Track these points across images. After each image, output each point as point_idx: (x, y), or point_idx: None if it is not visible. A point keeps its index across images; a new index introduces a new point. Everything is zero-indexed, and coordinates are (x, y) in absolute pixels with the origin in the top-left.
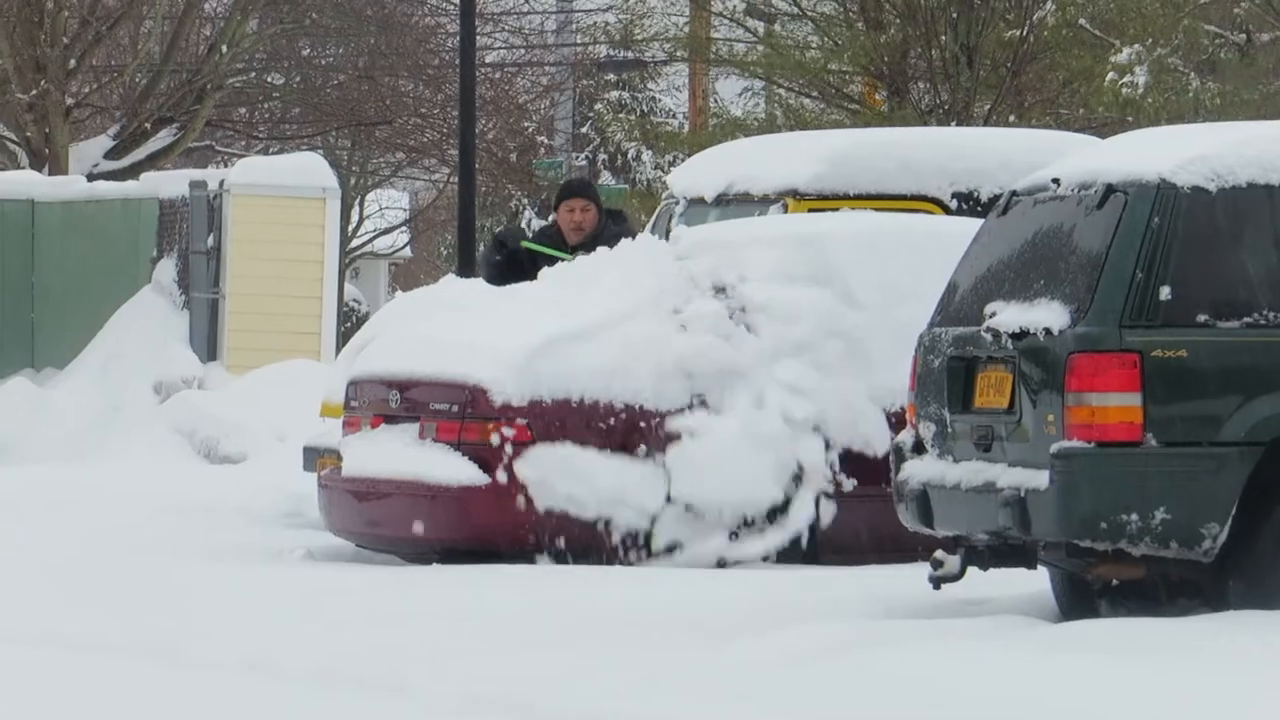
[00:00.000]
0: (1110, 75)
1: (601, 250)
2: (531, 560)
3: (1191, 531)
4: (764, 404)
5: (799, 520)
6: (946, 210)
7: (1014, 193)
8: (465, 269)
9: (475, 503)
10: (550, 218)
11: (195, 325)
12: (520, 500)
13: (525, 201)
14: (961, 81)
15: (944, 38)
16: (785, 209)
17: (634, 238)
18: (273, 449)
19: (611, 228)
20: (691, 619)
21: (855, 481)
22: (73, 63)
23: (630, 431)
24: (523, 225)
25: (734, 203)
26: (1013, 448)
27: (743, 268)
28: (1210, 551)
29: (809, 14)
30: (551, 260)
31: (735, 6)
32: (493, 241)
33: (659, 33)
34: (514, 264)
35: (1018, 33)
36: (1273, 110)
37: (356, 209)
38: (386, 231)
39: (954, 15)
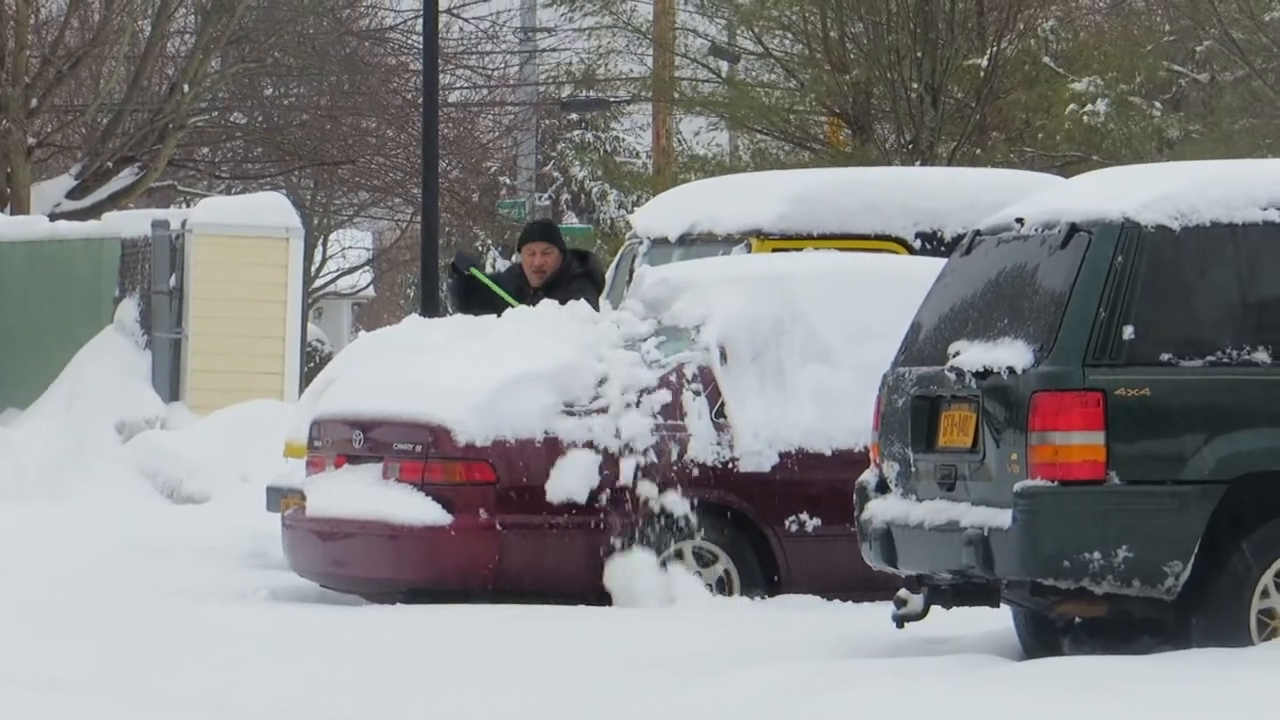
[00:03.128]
0: (1070, 106)
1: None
2: (495, 600)
3: (1154, 570)
4: None
5: None
6: (910, 250)
7: (978, 232)
8: (429, 309)
9: (439, 543)
10: (515, 258)
11: (158, 365)
12: (484, 540)
13: (489, 242)
14: (926, 121)
15: (908, 77)
16: (749, 249)
17: (599, 278)
18: (236, 489)
19: (576, 268)
20: (656, 658)
21: None
22: (34, 102)
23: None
24: (477, 247)
25: (698, 243)
26: (976, 487)
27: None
28: (1173, 589)
29: (773, 54)
30: (521, 287)
31: (699, 47)
32: (448, 266)
33: (623, 73)
34: (472, 287)
35: (981, 62)
36: (1237, 149)
37: (320, 249)
38: (350, 271)
39: (919, 55)
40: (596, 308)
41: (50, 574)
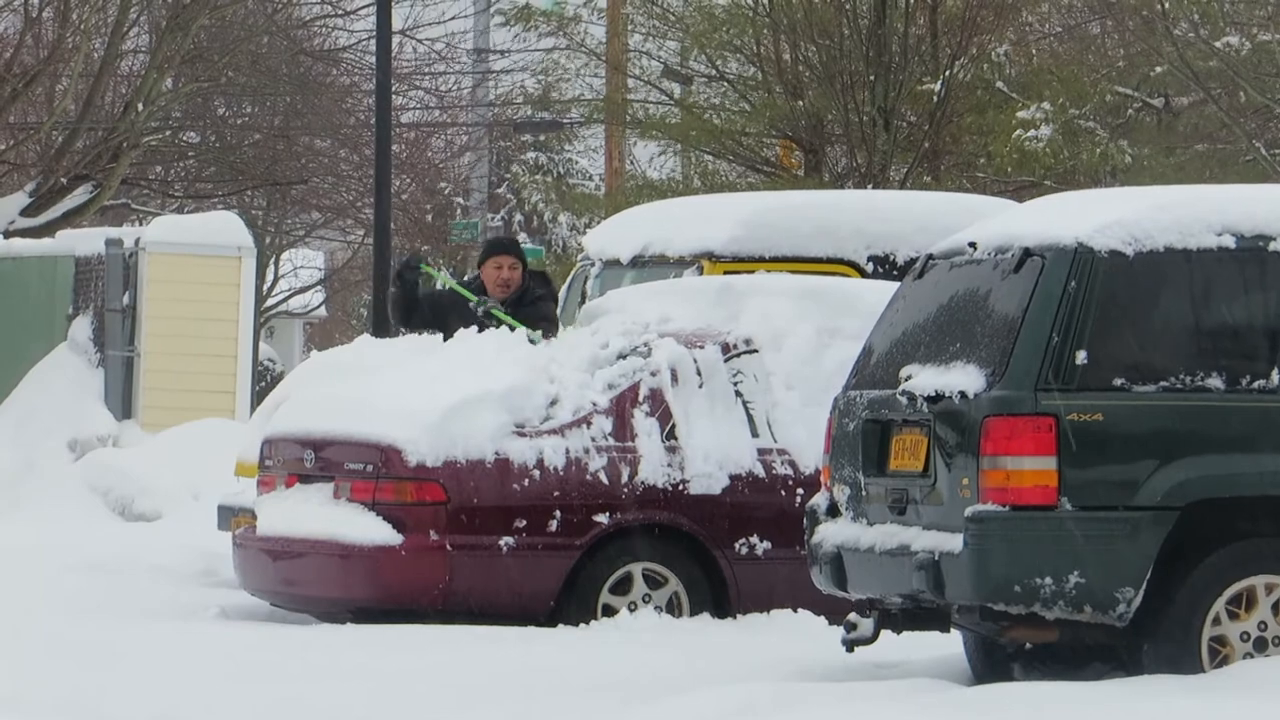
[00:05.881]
0: (1017, 133)
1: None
2: (446, 620)
3: (1106, 595)
4: None
5: None
6: (862, 273)
7: (930, 256)
8: (380, 329)
9: (389, 563)
10: (470, 273)
11: (110, 383)
12: (434, 560)
13: (441, 262)
14: (878, 145)
15: (861, 101)
16: (701, 271)
17: (557, 300)
18: (187, 507)
19: (535, 289)
20: (605, 680)
21: None
22: None
23: (545, 492)
24: (422, 251)
25: (650, 265)
26: (927, 511)
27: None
28: (1124, 615)
29: (726, 77)
30: (463, 301)
31: (652, 68)
32: (395, 276)
33: (575, 95)
34: (414, 299)
35: (934, 86)
36: (1188, 175)
37: (271, 268)
38: (301, 291)
39: (871, 79)
40: (558, 327)
41: None
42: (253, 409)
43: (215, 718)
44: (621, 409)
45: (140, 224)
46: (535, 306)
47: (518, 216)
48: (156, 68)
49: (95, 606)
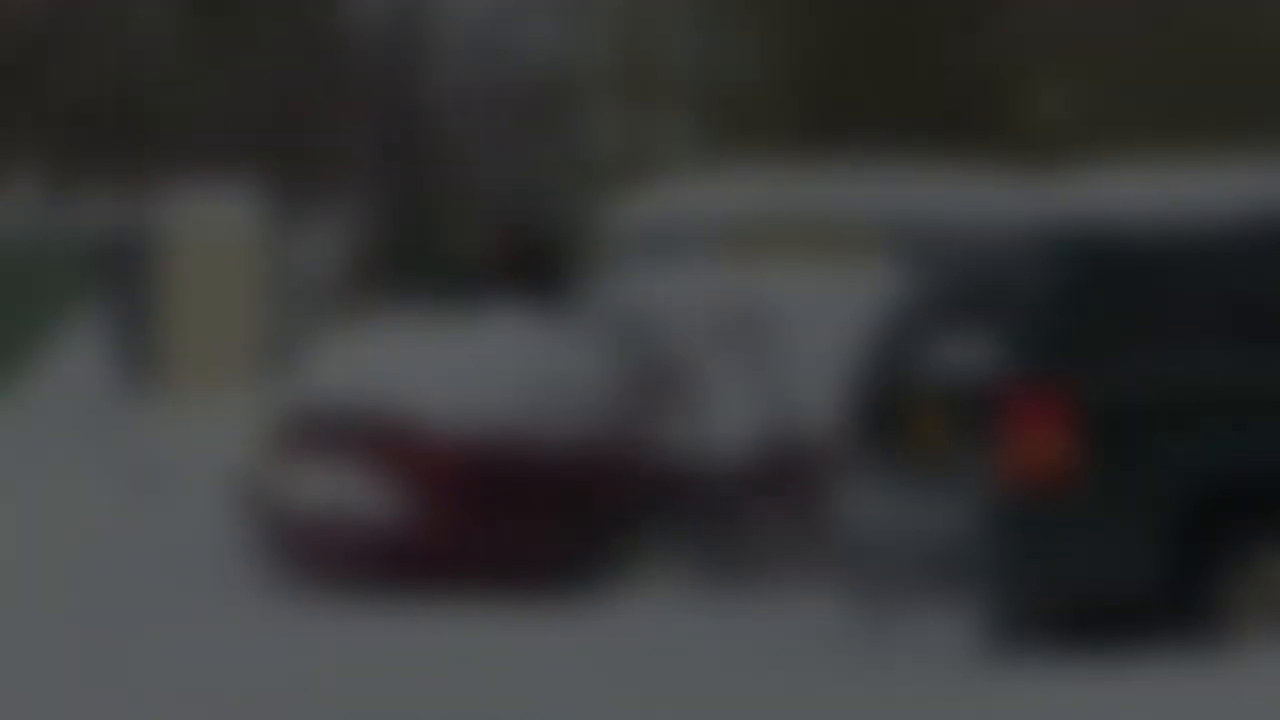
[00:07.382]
0: (1039, 111)
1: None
2: (464, 595)
3: (1125, 573)
4: None
5: None
6: (885, 247)
7: (952, 231)
8: (402, 304)
9: (410, 537)
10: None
11: (127, 359)
12: (456, 534)
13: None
14: (897, 121)
15: (883, 74)
16: (720, 244)
17: (564, 266)
18: (206, 483)
19: (541, 257)
20: (621, 659)
21: None
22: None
23: (565, 465)
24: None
25: (672, 237)
26: (948, 487)
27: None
28: (1145, 591)
29: (746, 49)
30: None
31: (671, 41)
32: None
33: (595, 66)
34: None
35: (953, 62)
36: (1209, 154)
37: (290, 243)
38: (322, 266)
39: (891, 54)
40: (562, 297)
41: (13, 568)
42: (270, 384)
43: (237, 691)
44: (644, 381)
45: (157, 200)
46: (537, 272)
47: (538, 189)
48: (174, 41)
49: (112, 583)
